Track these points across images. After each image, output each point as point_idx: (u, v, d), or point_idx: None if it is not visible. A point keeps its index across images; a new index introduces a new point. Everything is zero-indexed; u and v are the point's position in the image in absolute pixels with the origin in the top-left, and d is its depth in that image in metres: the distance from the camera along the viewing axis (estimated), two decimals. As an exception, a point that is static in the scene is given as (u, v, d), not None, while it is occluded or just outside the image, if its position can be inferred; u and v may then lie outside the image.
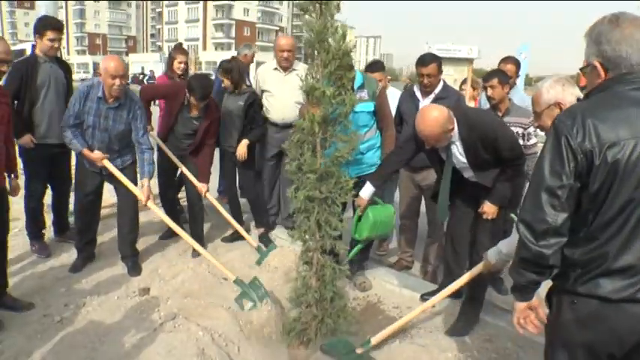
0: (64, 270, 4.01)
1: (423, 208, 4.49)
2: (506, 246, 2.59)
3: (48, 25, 4.06)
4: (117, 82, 3.60)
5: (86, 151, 3.73)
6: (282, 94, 4.57)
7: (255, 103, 4.55)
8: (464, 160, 3.15)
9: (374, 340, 3.05)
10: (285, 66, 4.59)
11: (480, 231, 3.33)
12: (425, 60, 3.98)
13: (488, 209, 3.20)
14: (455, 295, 3.73)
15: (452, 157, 3.20)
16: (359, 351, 3.00)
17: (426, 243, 4.45)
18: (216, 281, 3.99)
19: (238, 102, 4.49)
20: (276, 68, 4.65)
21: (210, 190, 4.55)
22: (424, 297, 3.72)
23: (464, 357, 3.05)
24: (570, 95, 2.23)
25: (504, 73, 4.06)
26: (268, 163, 4.88)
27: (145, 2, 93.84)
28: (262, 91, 4.74)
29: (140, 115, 3.90)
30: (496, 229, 3.30)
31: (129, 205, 4.06)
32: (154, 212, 4.20)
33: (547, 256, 1.63)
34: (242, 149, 4.49)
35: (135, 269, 4.05)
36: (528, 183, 1.75)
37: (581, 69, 1.83)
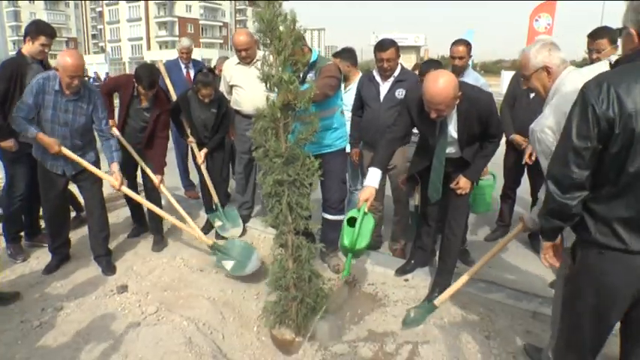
0: (35, 276, 3.95)
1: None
2: (537, 212, 2.74)
3: (42, 30, 4.04)
4: (75, 81, 3.55)
5: (41, 135, 3.59)
6: (250, 86, 4.51)
7: (227, 111, 4.69)
8: (454, 135, 3.20)
9: (437, 302, 3.26)
10: (247, 61, 4.59)
11: (451, 207, 3.47)
12: (384, 45, 4.10)
13: (464, 184, 3.31)
14: (423, 264, 3.94)
15: (447, 131, 3.20)
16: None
17: (394, 222, 4.60)
18: (193, 272, 4.04)
19: (211, 109, 4.57)
20: (239, 62, 4.65)
21: (170, 188, 4.65)
22: (398, 272, 3.91)
23: (440, 323, 3.23)
24: (557, 58, 2.39)
25: (439, 62, 4.33)
26: (244, 156, 4.88)
27: (83, 2, 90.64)
28: (231, 86, 4.76)
29: (100, 105, 3.83)
30: (465, 203, 3.47)
31: (95, 204, 4.03)
32: (119, 211, 4.19)
33: (571, 206, 1.85)
34: (202, 158, 4.73)
35: (109, 268, 4.03)
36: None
37: (619, 29, 1.95)
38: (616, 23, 1.97)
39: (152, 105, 4.34)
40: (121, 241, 4.67)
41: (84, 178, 3.94)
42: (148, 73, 4.12)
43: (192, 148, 4.84)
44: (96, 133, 3.93)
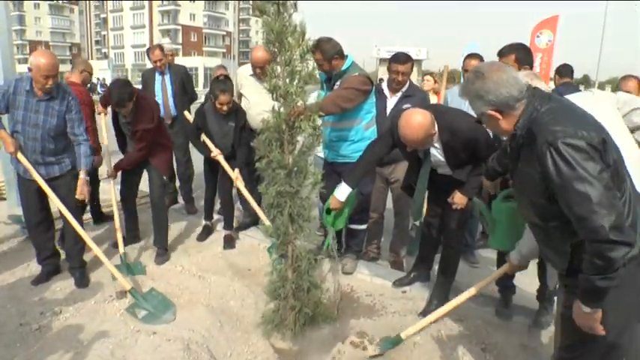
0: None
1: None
2: (525, 246, 2.72)
3: None
4: (49, 82, 3.43)
5: (2, 132, 3.54)
6: (257, 101, 4.57)
7: (246, 123, 4.63)
8: (443, 159, 3.22)
9: (404, 335, 3.16)
10: (261, 77, 4.54)
11: (448, 220, 3.50)
12: (400, 58, 4.12)
13: (459, 200, 3.32)
14: (424, 278, 3.95)
15: (430, 158, 3.24)
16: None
17: (393, 234, 4.63)
18: (190, 279, 4.06)
19: (229, 123, 4.52)
20: (252, 74, 4.66)
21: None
22: (396, 283, 3.93)
23: (437, 335, 3.25)
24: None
25: None
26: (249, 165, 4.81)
27: (88, 8, 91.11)
28: (240, 94, 4.80)
29: (74, 107, 3.67)
30: (463, 218, 3.50)
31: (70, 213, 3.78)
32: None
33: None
34: (236, 175, 4.56)
35: (82, 281, 3.90)
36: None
37: (477, 121, 2.05)
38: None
39: (132, 120, 4.20)
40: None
41: (58, 185, 3.75)
42: (116, 91, 3.98)
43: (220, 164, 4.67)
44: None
